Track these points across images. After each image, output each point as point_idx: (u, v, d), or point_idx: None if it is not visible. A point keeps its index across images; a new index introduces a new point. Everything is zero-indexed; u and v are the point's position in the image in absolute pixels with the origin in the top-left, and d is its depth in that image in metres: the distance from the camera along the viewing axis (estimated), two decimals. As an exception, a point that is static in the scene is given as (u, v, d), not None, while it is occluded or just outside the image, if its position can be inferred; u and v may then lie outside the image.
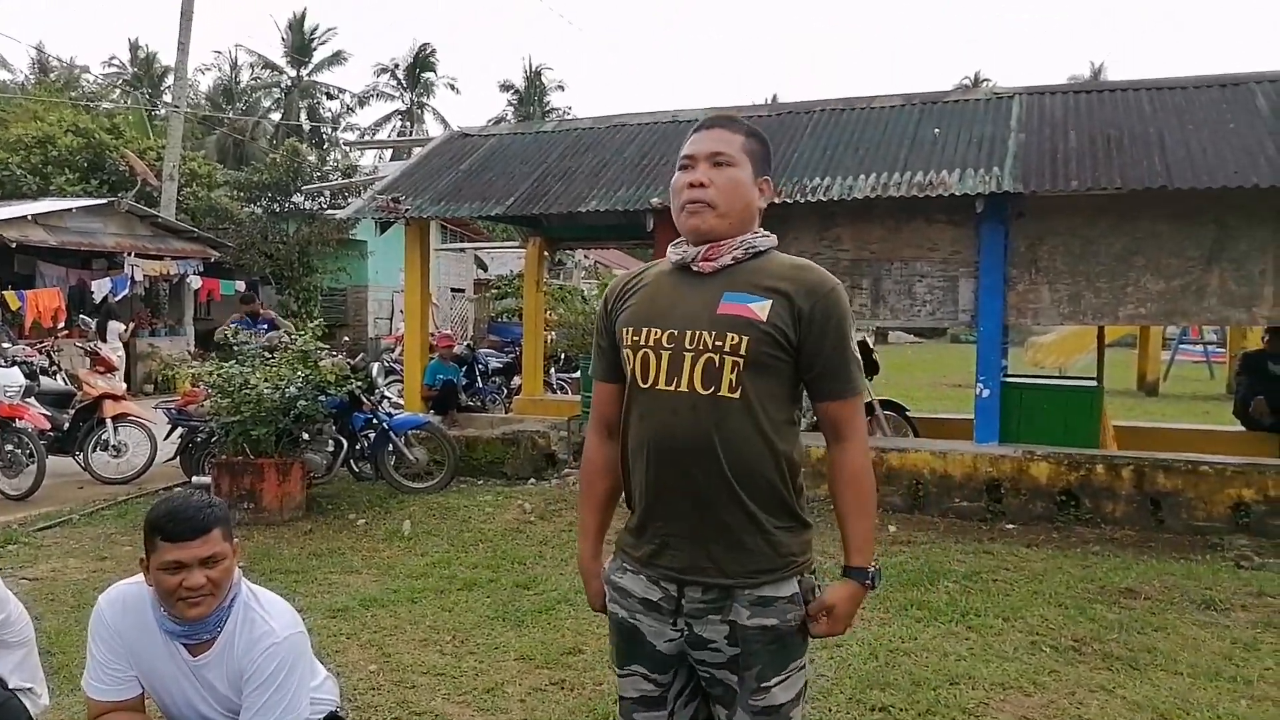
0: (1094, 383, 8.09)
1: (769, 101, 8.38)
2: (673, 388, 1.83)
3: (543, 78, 49.06)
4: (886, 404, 8.96)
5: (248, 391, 6.69)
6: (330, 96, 44.93)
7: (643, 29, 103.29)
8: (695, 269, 1.91)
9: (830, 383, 1.87)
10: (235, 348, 7.23)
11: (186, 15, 20.03)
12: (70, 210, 16.42)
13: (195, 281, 17.91)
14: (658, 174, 8.12)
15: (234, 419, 6.72)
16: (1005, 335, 7.64)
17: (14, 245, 15.04)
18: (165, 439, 8.55)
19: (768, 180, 1.98)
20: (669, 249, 2.00)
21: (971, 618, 4.72)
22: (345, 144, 29.46)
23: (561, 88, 51.87)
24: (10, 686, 2.93)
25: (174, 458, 8.48)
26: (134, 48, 45.80)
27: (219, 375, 6.91)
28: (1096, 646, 4.34)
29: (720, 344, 1.80)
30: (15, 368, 8.14)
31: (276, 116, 42.20)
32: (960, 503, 7.07)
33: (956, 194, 6.96)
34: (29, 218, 15.49)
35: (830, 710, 3.65)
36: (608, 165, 8.69)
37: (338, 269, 20.05)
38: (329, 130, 43.32)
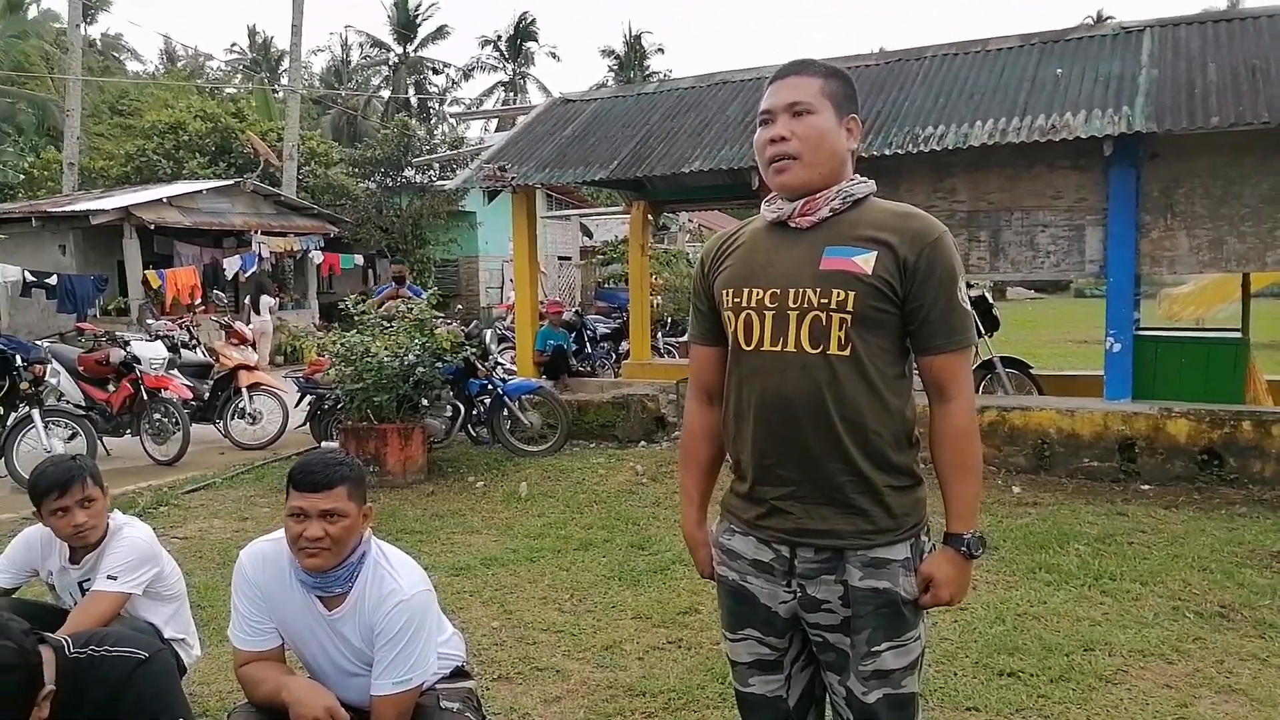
0: (1238, 334, 7.56)
1: (877, 51, 8.07)
2: (779, 348, 1.77)
3: (643, 41, 48.72)
4: (1008, 361, 8.62)
5: (369, 360, 6.94)
6: (436, 71, 45.80)
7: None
8: (793, 225, 1.83)
9: (935, 336, 1.77)
10: (356, 317, 7.47)
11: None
12: (201, 192, 17.34)
13: (317, 256, 18.69)
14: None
15: (357, 386, 6.99)
16: (1137, 286, 7.21)
17: (153, 227, 16.01)
18: (295, 406, 8.99)
19: (855, 119, 1.86)
20: (763, 206, 1.93)
21: (1105, 581, 4.51)
22: (451, 116, 30.04)
23: (661, 50, 51.55)
24: (165, 637, 3.15)
25: (304, 424, 8.90)
26: (252, 34, 47.82)
27: (342, 344, 7.18)
28: (1246, 613, 4.09)
29: (826, 301, 1.74)
30: (159, 342, 8.67)
31: (386, 93, 43.34)
32: (1090, 463, 6.75)
33: (1082, 137, 6.55)
34: (165, 200, 16.44)
35: (955, 674, 3.55)
36: (709, 125, 8.56)
37: (449, 240, 20.54)
38: (436, 104, 44.27)
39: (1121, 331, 6.99)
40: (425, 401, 7.58)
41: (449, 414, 7.88)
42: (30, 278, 14.07)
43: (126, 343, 8.49)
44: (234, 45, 47.84)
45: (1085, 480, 6.66)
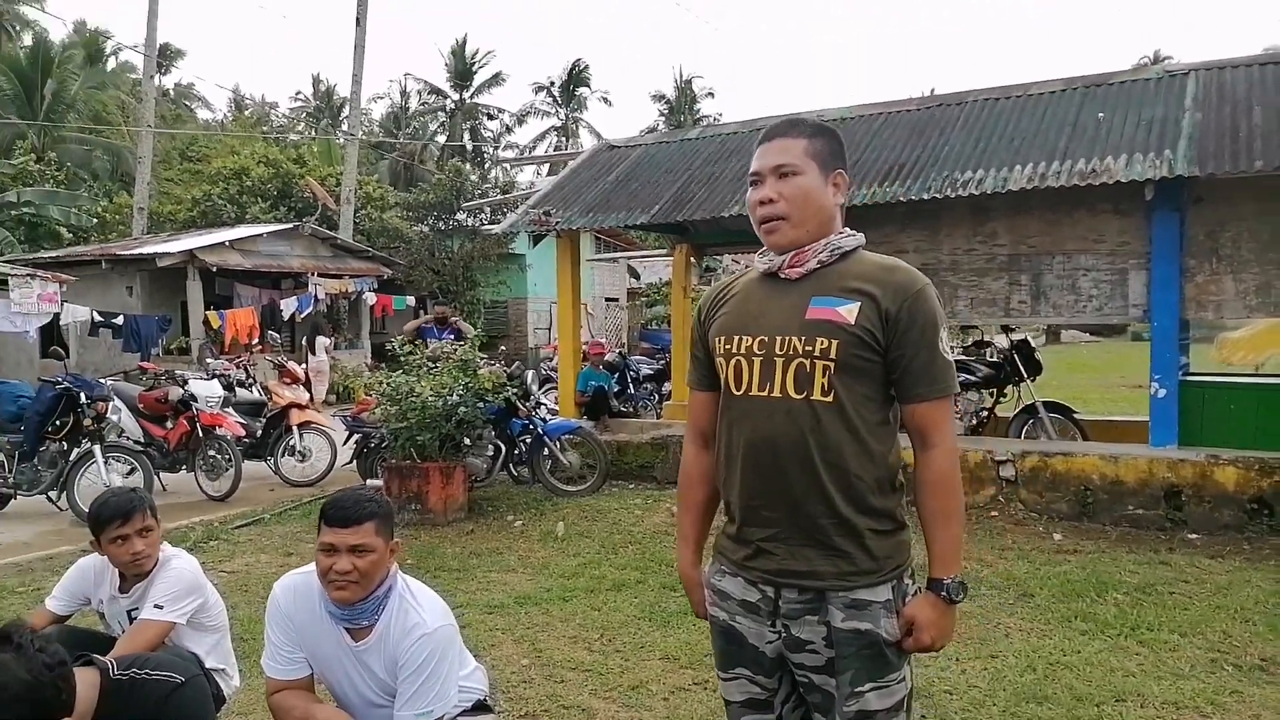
0: (1290, 380, 7.39)
1: (926, 95, 8.18)
2: (766, 393, 1.86)
3: (693, 86, 49.48)
4: (1051, 405, 8.51)
5: (413, 400, 7.12)
6: (490, 117, 46.96)
7: (792, 29, 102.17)
8: (783, 276, 1.93)
9: (917, 384, 1.84)
10: (402, 358, 7.69)
11: (359, 47, 21.50)
12: (261, 235, 17.96)
13: (371, 298, 19.17)
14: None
15: (401, 425, 7.17)
16: (1185, 331, 7.11)
17: (214, 269, 16.61)
18: (343, 445, 9.22)
19: (842, 173, 1.96)
20: (756, 257, 2.03)
21: (1143, 631, 4.43)
22: (501, 161, 30.80)
23: (711, 95, 52.22)
24: (207, 666, 3.28)
25: (350, 462, 9.12)
26: (316, 82, 49.60)
27: (388, 384, 7.38)
28: (1288, 667, 3.99)
29: (810, 349, 1.82)
30: (215, 380, 8.99)
31: (442, 139, 44.53)
32: (1134, 510, 6.62)
33: (1123, 181, 6.54)
34: (227, 244, 17.07)
35: (982, 722, 3.53)
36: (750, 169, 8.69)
37: (499, 282, 20.94)
38: (489, 149, 45.30)
39: (1166, 376, 6.89)
40: (468, 441, 7.73)
41: (490, 453, 8.02)
42: (98, 318, 14.67)
43: (185, 381, 8.81)
44: (299, 93, 49.80)
45: (1129, 528, 6.54)
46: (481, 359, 7.92)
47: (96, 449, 7.67)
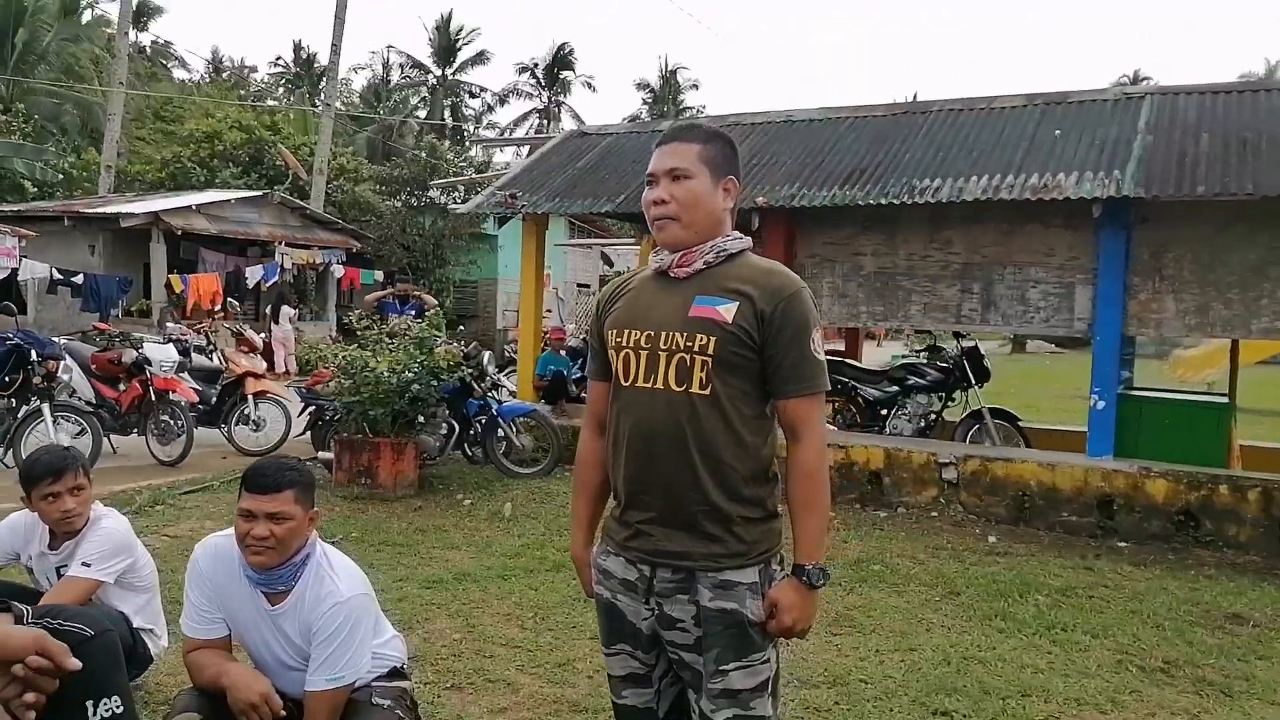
0: (1225, 399, 7.63)
1: (910, 100, 8.33)
2: (650, 385, 1.96)
3: (678, 77, 49.48)
4: (996, 412, 8.71)
5: (367, 374, 7.15)
6: (473, 95, 46.70)
7: (780, 28, 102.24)
8: (672, 274, 2.02)
9: (788, 381, 1.94)
10: (359, 333, 7.71)
11: (339, 19, 21.28)
12: (229, 201, 17.80)
13: (338, 270, 19.08)
14: (765, 173, 8.15)
15: (354, 399, 7.20)
16: (1128, 346, 7.31)
17: (180, 233, 16.43)
18: (298, 415, 9.21)
19: (732, 180, 2.05)
20: (650, 256, 2.14)
21: (1057, 632, 4.60)
22: (475, 141, 30.66)
23: (696, 87, 52.19)
24: (134, 626, 3.33)
25: (304, 433, 9.12)
26: (297, 48, 48.89)
27: (343, 357, 7.40)
28: (1189, 670, 4.16)
29: (690, 344, 1.93)
30: (171, 345, 8.94)
31: (423, 114, 44.18)
32: (1069, 517, 6.82)
33: (1072, 198, 6.71)
34: (194, 207, 16.89)
35: (892, 711, 3.66)
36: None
37: (469, 262, 20.91)
38: (469, 128, 45.03)
39: (1106, 389, 7.09)
40: (421, 418, 7.77)
41: (444, 432, 8.06)
42: (57, 275, 14.48)
43: (140, 344, 8.76)
44: (279, 59, 49.15)
45: (1062, 534, 6.73)
46: (439, 338, 7.96)
47: (45, 407, 7.61)
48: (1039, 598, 5.15)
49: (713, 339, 1.92)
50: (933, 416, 9.02)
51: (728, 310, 1.94)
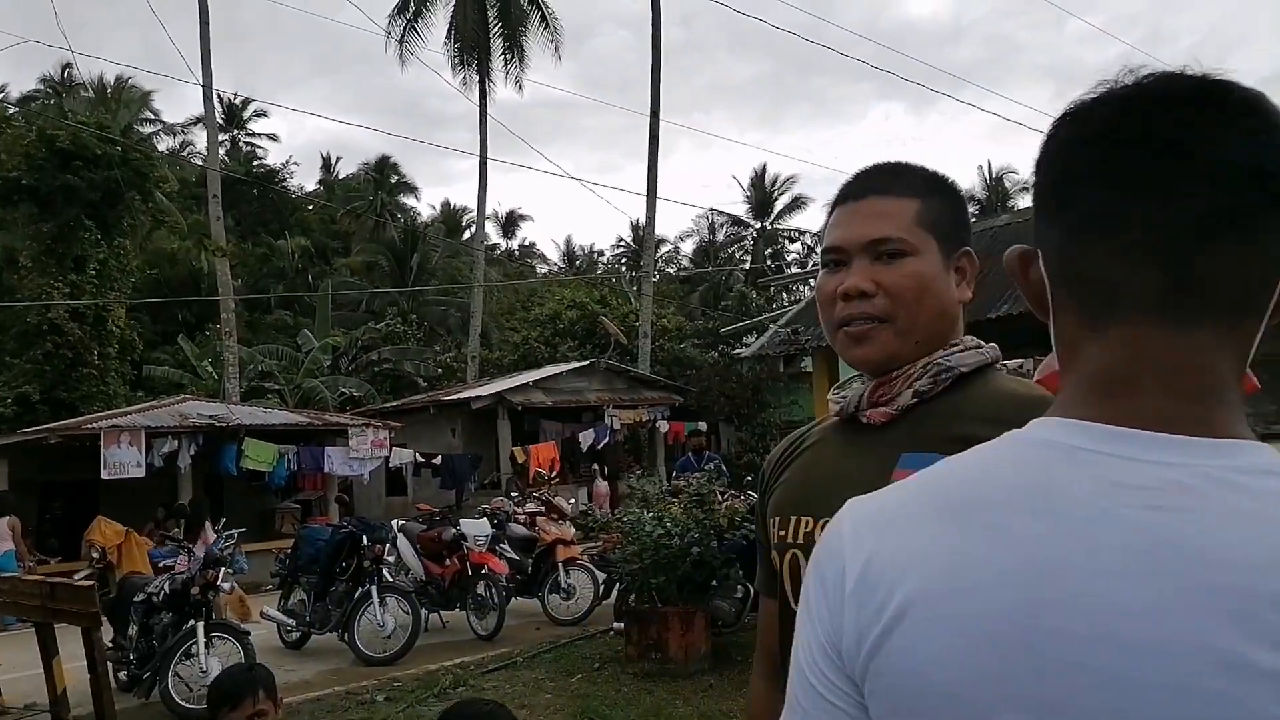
0: None
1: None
2: None
3: (1005, 182, 46.84)
4: None
5: (646, 539, 6.77)
6: (791, 240, 47.63)
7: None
8: (864, 419, 1.24)
9: None
10: (639, 491, 7.41)
11: (651, 194, 22.82)
12: (562, 373, 19.12)
13: (663, 425, 19.53)
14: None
15: (635, 566, 6.82)
16: None
17: (520, 408, 17.83)
18: (603, 582, 9.04)
19: (969, 254, 1.25)
20: (830, 393, 1.33)
21: None
22: (759, 283, 30.72)
23: (1027, 189, 48.96)
24: None
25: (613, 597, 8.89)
26: (634, 227, 53.68)
27: (624, 521, 7.11)
28: None
29: None
30: (484, 520, 9.30)
31: (747, 264, 45.78)
32: None
33: None
34: (531, 384, 18.34)
35: None
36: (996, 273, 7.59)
37: (790, 402, 20.45)
38: (776, 270, 45.77)
39: None
40: (715, 582, 7.18)
41: (739, 595, 7.37)
42: (420, 459, 16.22)
43: (457, 522, 9.21)
44: (620, 240, 54.20)
45: None
46: (724, 492, 7.42)
47: (373, 590, 8.11)
48: None
49: None
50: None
51: None
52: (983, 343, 1.24)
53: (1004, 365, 1.29)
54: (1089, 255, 0.65)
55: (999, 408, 1.12)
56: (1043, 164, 0.70)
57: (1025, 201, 46.51)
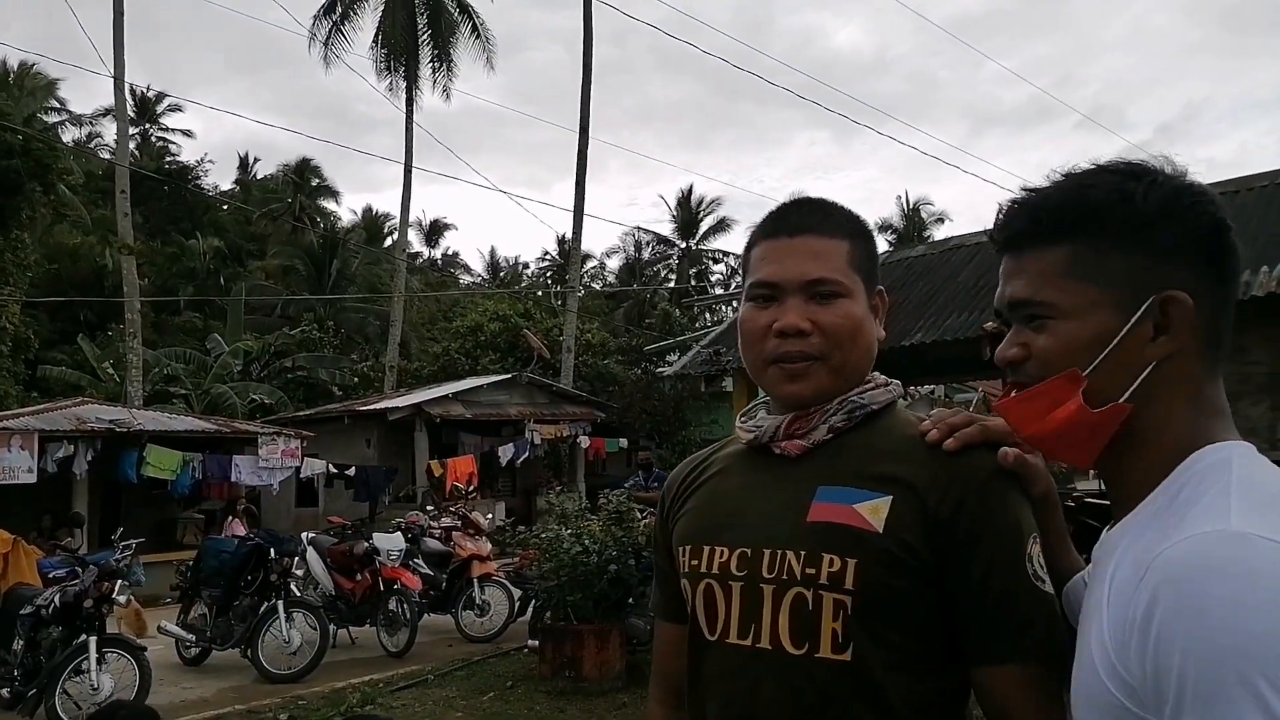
0: None
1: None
2: (749, 643, 1.17)
3: (921, 213, 48.34)
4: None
5: (562, 556, 6.74)
6: (715, 260, 48.22)
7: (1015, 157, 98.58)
8: (778, 451, 1.25)
9: (985, 637, 1.10)
10: (557, 509, 7.37)
11: (578, 209, 22.84)
12: (482, 386, 18.90)
13: (584, 441, 19.48)
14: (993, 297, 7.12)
15: (552, 583, 6.78)
16: None
17: (439, 420, 17.56)
18: (519, 597, 8.96)
19: (882, 293, 1.29)
20: (737, 421, 1.34)
21: None
22: (684, 303, 31.20)
23: (942, 220, 50.44)
24: None
25: (528, 614, 8.81)
26: (560, 241, 53.59)
27: (540, 537, 7.07)
28: None
29: (814, 572, 1.13)
30: (398, 534, 9.12)
31: (672, 283, 46.14)
32: None
33: None
34: (450, 395, 18.08)
35: None
36: (938, 293, 7.89)
37: (710, 421, 20.64)
38: (717, 292, 46.31)
39: None
40: (631, 600, 7.18)
41: (655, 613, 7.40)
42: (333, 470, 15.81)
43: (370, 535, 9.01)
44: (546, 253, 53.98)
45: None
46: (642, 510, 7.44)
47: (280, 605, 7.87)
48: None
49: (852, 562, 1.12)
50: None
51: (874, 510, 1.14)
52: (889, 380, 1.28)
53: (916, 390, 1.36)
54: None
55: (911, 448, 1.18)
56: None
57: (940, 233, 48.07)
